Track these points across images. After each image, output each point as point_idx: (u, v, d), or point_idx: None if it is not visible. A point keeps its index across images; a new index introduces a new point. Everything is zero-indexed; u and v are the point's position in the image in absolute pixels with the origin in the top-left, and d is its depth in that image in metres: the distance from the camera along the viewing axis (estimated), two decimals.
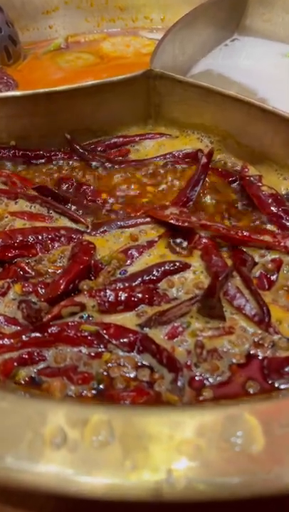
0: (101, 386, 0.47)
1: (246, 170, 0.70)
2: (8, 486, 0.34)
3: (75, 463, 0.34)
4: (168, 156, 0.72)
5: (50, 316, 0.51)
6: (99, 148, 0.76)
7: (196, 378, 0.48)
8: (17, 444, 0.34)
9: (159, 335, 0.51)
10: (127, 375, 0.48)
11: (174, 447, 0.34)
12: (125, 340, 0.50)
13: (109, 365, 0.49)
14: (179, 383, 0.47)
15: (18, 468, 0.34)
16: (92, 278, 0.56)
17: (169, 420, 0.36)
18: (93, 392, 0.47)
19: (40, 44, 1.15)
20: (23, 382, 0.48)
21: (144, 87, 0.76)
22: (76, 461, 0.34)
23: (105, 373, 0.48)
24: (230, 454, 0.34)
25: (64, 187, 0.68)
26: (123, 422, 0.35)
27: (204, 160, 0.65)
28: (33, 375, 0.48)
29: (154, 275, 0.56)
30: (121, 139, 0.75)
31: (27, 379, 0.48)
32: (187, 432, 0.35)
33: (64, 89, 0.72)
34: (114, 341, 0.50)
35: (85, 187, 0.68)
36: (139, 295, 0.54)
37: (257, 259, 0.58)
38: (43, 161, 0.73)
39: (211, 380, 0.48)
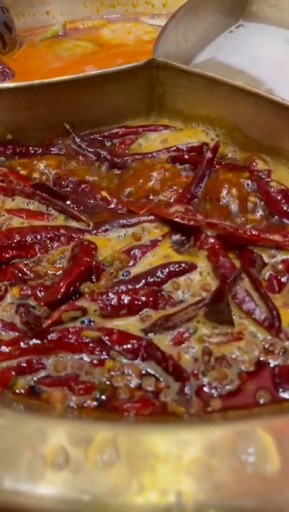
0: (104, 396, 0.46)
1: (254, 164, 0.68)
2: (6, 509, 0.33)
3: (78, 485, 0.32)
4: (172, 149, 0.70)
5: (49, 321, 0.50)
6: (99, 137, 0.74)
7: (204, 388, 0.46)
8: (15, 465, 0.33)
9: (164, 341, 0.50)
10: (131, 384, 0.47)
11: (183, 467, 0.33)
12: (128, 346, 0.49)
13: (112, 373, 0.47)
14: (186, 393, 0.45)
15: (16, 491, 0.32)
16: (94, 280, 0.55)
17: (177, 438, 0.34)
18: (95, 403, 0.45)
19: (36, 31, 1.12)
20: (22, 391, 0.46)
21: (147, 78, 0.74)
22: (79, 482, 0.32)
23: (108, 382, 0.47)
24: (243, 475, 0.33)
25: (62, 185, 0.66)
26: (129, 440, 0.34)
27: (209, 155, 0.63)
28: (32, 385, 0.47)
29: (158, 277, 0.55)
30: (123, 130, 0.73)
31: (26, 387, 0.47)
32: (197, 451, 0.34)
33: (62, 80, 0.70)
34: (117, 348, 0.49)
35: (84, 185, 0.66)
36: (143, 298, 0.52)
37: (266, 259, 0.57)
38: (40, 156, 0.71)
39: (219, 389, 0.46)
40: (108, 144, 0.73)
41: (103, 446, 0.34)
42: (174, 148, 0.70)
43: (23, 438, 0.34)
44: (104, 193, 0.65)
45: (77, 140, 0.72)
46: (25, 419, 0.36)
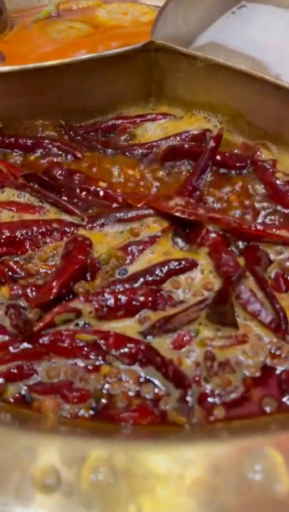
0: (99, 405, 0.44)
1: (258, 154, 0.66)
2: None
3: (70, 508, 0.30)
4: (172, 139, 0.67)
5: (41, 324, 0.48)
6: (92, 134, 0.71)
7: (207, 395, 0.45)
8: (3, 487, 0.31)
9: (163, 344, 0.48)
10: (129, 392, 0.45)
11: (185, 488, 0.31)
12: (126, 350, 0.47)
13: (109, 380, 0.45)
14: (188, 401, 0.43)
15: None
16: (89, 279, 0.53)
17: (178, 456, 0.32)
18: (91, 412, 0.43)
19: (28, 12, 1.08)
20: (12, 400, 0.44)
21: (145, 62, 0.71)
22: (72, 506, 0.30)
23: (104, 390, 0.45)
24: (250, 497, 0.31)
25: (54, 175, 0.63)
26: (126, 458, 0.32)
27: (212, 144, 0.61)
28: (23, 392, 0.45)
29: (157, 275, 0.53)
30: (120, 121, 0.70)
31: (17, 396, 0.45)
32: (200, 470, 0.32)
33: (55, 64, 0.67)
34: (113, 352, 0.47)
35: (77, 175, 0.63)
36: (141, 298, 0.50)
37: (272, 256, 0.55)
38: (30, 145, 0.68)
39: (222, 396, 0.44)
40: (104, 137, 0.70)
41: (98, 466, 0.32)
42: (174, 137, 0.67)
43: (11, 457, 0.32)
44: (98, 184, 0.62)
45: (71, 133, 0.69)
46: (14, 435, 0.34)
